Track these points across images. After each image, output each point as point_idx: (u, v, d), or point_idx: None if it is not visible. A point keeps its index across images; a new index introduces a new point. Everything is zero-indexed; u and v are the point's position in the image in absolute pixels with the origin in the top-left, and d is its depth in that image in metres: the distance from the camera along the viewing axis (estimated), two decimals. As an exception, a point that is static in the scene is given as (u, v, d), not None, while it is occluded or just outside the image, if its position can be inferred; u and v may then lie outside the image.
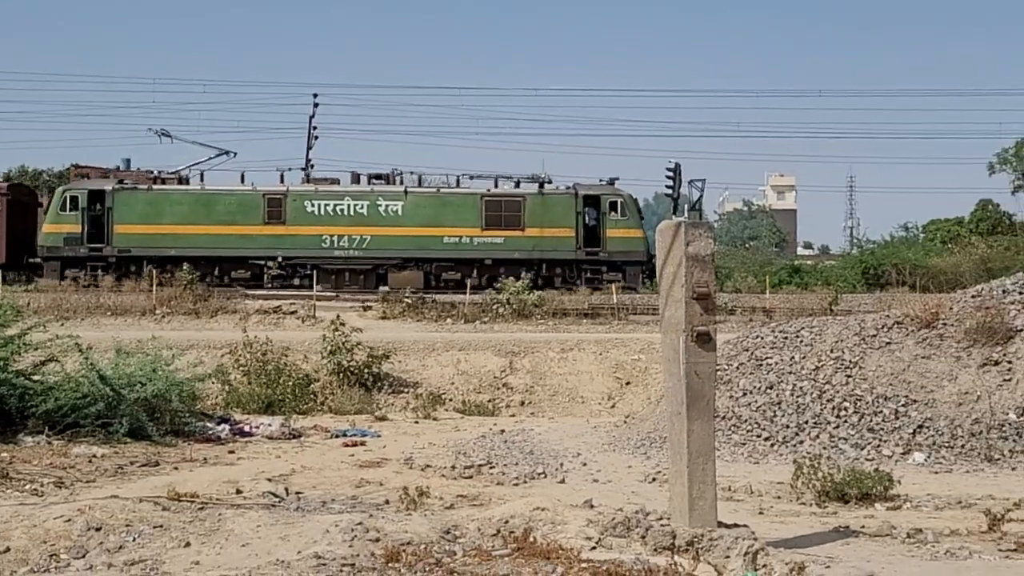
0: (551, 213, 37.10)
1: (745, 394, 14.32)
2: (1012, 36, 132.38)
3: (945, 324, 14.79)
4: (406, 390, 22.26)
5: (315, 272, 36.44)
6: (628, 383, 22.85)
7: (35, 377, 14.55)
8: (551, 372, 23.35)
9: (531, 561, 6.96)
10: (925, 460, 12.58)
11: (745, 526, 7.67)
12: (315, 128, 53.38)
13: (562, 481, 11.70)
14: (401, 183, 37.99)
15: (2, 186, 38.46)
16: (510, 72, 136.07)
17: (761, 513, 9.63)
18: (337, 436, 15.92)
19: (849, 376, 14.17)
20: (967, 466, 12.35)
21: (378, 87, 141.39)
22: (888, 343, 14.71)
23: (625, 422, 16.06)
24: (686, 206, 38.83)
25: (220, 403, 19.50)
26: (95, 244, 36.90)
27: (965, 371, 13.88)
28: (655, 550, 7.31)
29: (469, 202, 37.42)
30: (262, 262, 37.18)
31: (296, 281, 36.05)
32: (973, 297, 15.55)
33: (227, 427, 15.90)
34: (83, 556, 7.68)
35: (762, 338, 15.73)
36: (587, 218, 37.45)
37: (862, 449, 12.90)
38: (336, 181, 38.63)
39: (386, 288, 34.91)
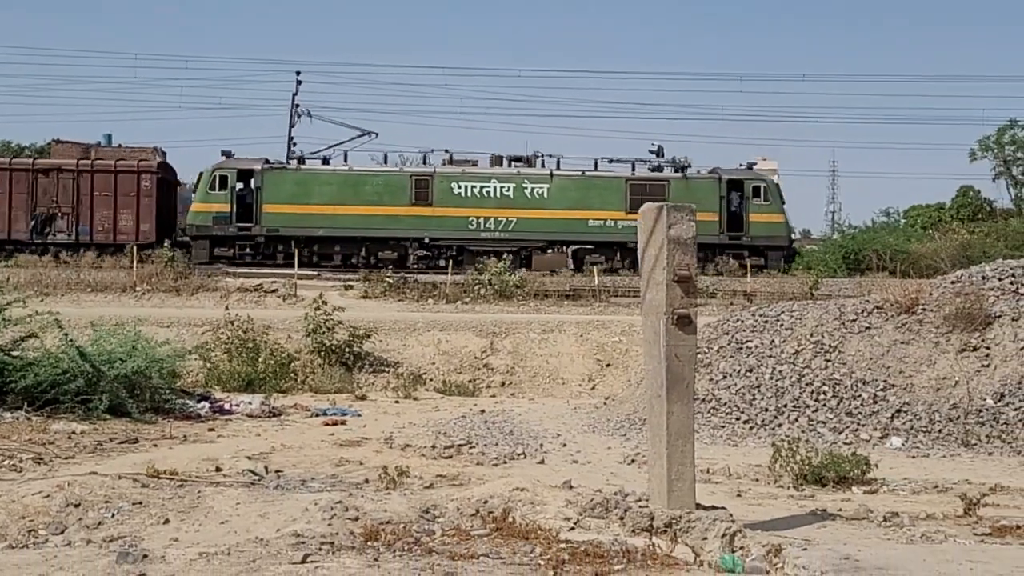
0: (694, 197, 36.92)
1: (725, 377, 14.37)
2: (995, 23, 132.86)
3: (924, 310, 14.87)
4: (387, 370, 22.23)
5: (460, 253, 36.56)
6: (608, 365, 22.88)
7: (14, 353, 14.49)
8: (532, 353, 23.35)
9: (510, 541, 6.99)
10: (903, 444, 12.67)
11: (723, 508, 7.71)
12: (298, 106, 53.19)
13: (541, 462, 11.73)
14: (543, 165, 37.98)
15: (152, 164, 38.05)
16: (494, 53, 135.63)
17: (739, 496, 9.68)
18: (317, 415, 15.92)
19: (828, 360, 14.24)
20: (944, 451, 12.45)
21: (361, 65, 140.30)
22: (868, 328, 14.78)
23: (605, 404, 16.10)
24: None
25: (200, 381, 19.45)
26: (244, 223, 36.70)
27: (943, 356, 13.98)
28: (633, 531, 7.34)
29: (614, 185, 37.38)
30: (407, 243, 37.13)
31: (441, 263, 35.96)
32: (953, 283, 15.65)
33: (207, 405, 15.88)
34: (62, 532, 7.67)
35: (742, 321, 15.78)
36: (731, 202, 37.56)
37: (840, 433, 12.97)
38: (475, 163, 38.51)
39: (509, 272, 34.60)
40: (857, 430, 13.03)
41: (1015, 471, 11.32)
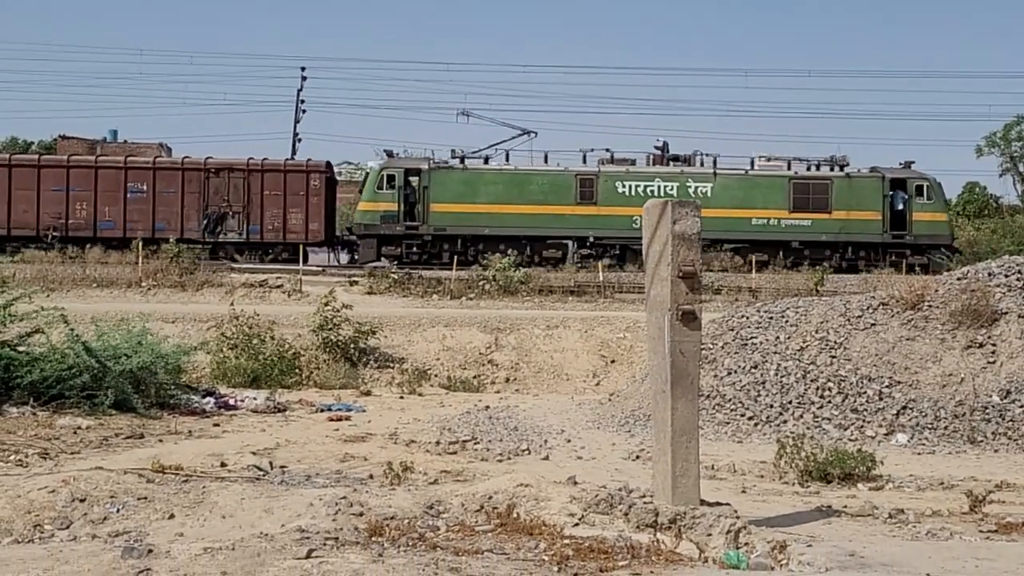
0: (857, 196, 37.05)
1: (730, 373, 14.36)
2: (1003, 19, 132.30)
3: (930, 306, 14.84)
4: (392, 365, 22.25)
5: (623, 252, 36.56)
6: (613, 361, 22.87)
7: (20, 348, 14.51)
8: (536, 349, 23.35)
9: (514, 537, 6.99)
10: (908, 441, 12.64)
11: (727, 504, 7.70)
12: (303, 102, 53.32)
13: (546, 458, 11.73)
14: (702, 164, 38.00)
15: (320, 164, 38.24)
16: (499, 48, 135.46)
17: (744, 492, 9.67)
18: (322, 410, 15.94)
19: (833, 357, 14.22)
20: (950, 447, 12.42)
21: (365, 60, 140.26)
22: (873, 324, 14.76)
23: (609, 400, 16.10)
24: None
25: (206, 376, 19.49)
26: (411, 222, 36.86)
27: (949, 353, 13.95)
28: (638, 527, 7.34)
29: (777, 184, 37.32)
30: (570, 242, 37.28)
31: (605, 262, 35.99)
32: (959, 279, 15.62)
33: (212, 400, 15.90)
34: (67, 527, 7.68)
35: (747, 318, 15.77)
36: (894, 201, 37.46)
37: (845, 430, 12.95)
38: (633, 162, 38.55)
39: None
40: (862, 427, 13.01)
41: (1021, 468, 11.29)
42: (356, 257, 37.33)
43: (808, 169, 38.00)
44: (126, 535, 7.40)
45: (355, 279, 31.51)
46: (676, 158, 38.34)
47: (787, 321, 15.26)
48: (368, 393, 18.96)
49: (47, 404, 13.77)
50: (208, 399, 15.92)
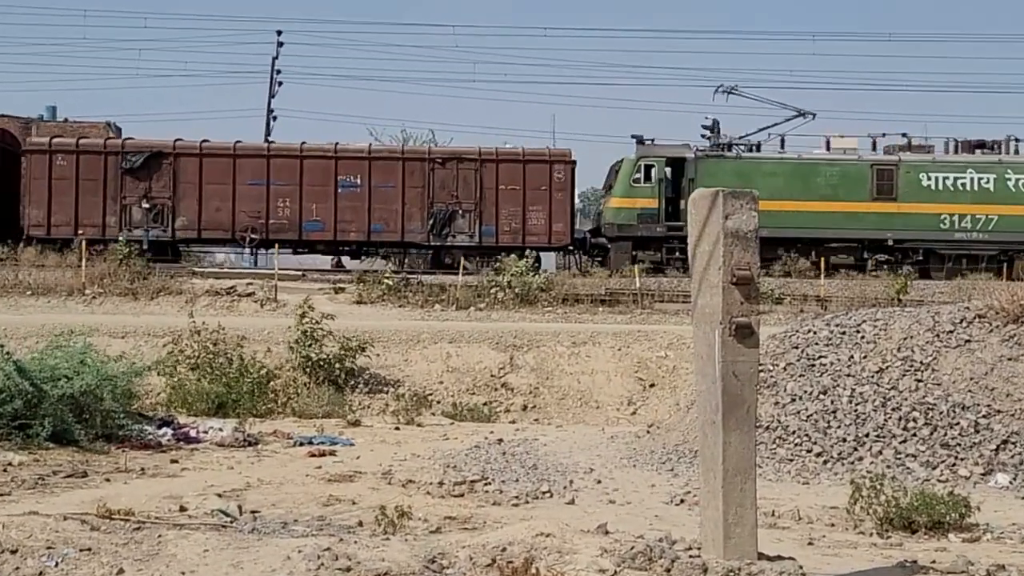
0: None
1: (793, 400, 14.33)
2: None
3: (1037, 319, 14.81)
4: (385, 390, 22.29)
5: (927, 256, 36.93)
6: (652, 385, 22.87)
7: (-63, 369, 14.58)
8: (559, 370, 23.36)
9: (533, 597, 6.98)
10: (1010, 482, 12.59)
11: (791, 559, 7.69)
12: (279, 72, 53.54)
13: (571, 502, 11.73)
14: (1017, 152, 38.12)
15: (565, 153, 38.46)
16: (514, 7, 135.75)
17: (811, 544, 9.65)
18: (301, 444, 15.97)
19: (919, 380, 14.17)
20: (1060, 490, 12.37)
21: (353, 23, 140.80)
22: (968, 341, 14.71)
23: (648, 432, 16.09)
24: None
25: (162, 402, 19.55)
26: (672, 222, 36.92)
27: (1060, 376, 13.90)
28: (682, 586, 7.33)
29: None
30: (864, 244, 37.48)
31: (906, 268, 36.08)
32: (1071, 287, 15.56)
33: (169, 431, 15.94)
34: (-6, 584, 7.70)
35: (815, 333, 15.73)
36: None
37: (934, 469, 12.91)
38: (930, 148, 38.64)
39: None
40: (955, 465, 12.96)
41: None
42: (608, 262, 37.07)
43: None
44: (66, 594, 7.41)
45: (341, 285, 31.61)
46: (982, 144, 38.25)
47: (863, 337, 15.23)
48: (357, 423, 18.97)
49: (-31, 436, 13.82)
50: (164, 430, 15.96)
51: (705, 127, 39.21)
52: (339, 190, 36.86)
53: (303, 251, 38.44)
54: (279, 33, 53.57)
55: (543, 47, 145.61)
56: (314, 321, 22.25)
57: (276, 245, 34.92)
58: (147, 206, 36.41)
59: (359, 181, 36.95)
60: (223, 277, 32.54)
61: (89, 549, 8.24)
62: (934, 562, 8.73)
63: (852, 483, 10.92)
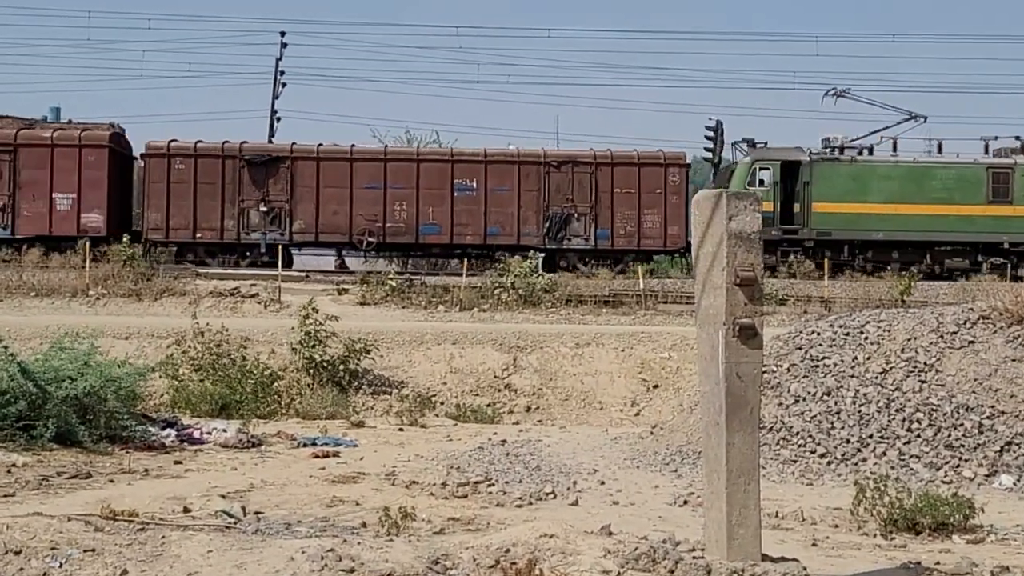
0: None
1: (797, 401, 14.32)
2: None
3: (1041, 320, 14.80)
4: (389, 391, 22.29)
5: None
6: (656, 386, 22.86)
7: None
8: (563, 371, 23.36)
9: (536, 598, 6.98)
10: (1014, 484, 12.57)
11: (795, 560, 7.69)
12: (282, 73, 53.52)
13: (575, 503, 11.73)
14: None
15: (680, 156, 38.65)
16: (518, 8, 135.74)
17: (814, 545, 9.65)
18: (305, 445, 15.96)
19: (923, 382, 14.17)
20: (1064, 491, 12.36)
21: (356, 24, 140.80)
22: (972, 342, 14.70)
23: (652, 433, 16.08)
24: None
25: (165, 403, 19.56)
26: (787, 225, 37.24)
27: (1064, 377, 13.89)
28: (686, 587, 7.33)
29: None
30: (978, 248, 37.47)
31: (1021, 272, 36.19)
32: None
33: (173, 432, 15.94)
34: (-2, 585, 7.71)
35: (819, 334, 15.73)
36: None
37: (938, 470, 12.90)
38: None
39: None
40: (959, 466, 12.95)
41: None
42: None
43: None
44: (70, 595, 7.42)
45: (345, 287, 31.61)
46: None
47: (867, 338, 15.22)
48: (360, 424, 18.97)
49: (-27, 437, 13.84)
50: (168, 431, 15.96)
51: (708, 128, 39.23)
52: (455, 193, 37.07)
53: (417, 255, 38.88)
54: (283, 34, 53.45)
55: (546, 48, 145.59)
56: (317, 322, 22.25)
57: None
58: (264, 209, 36.61)
59: (475, 184, 37.19)
60: (227, 278, 32.54)
61: (93, 550, 8.25)
62: (938, 564, 8.73)
63: (856, 484, 10.91)
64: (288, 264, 35.31)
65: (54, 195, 36.06)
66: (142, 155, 37.56)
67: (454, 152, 38.20)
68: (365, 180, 36.84)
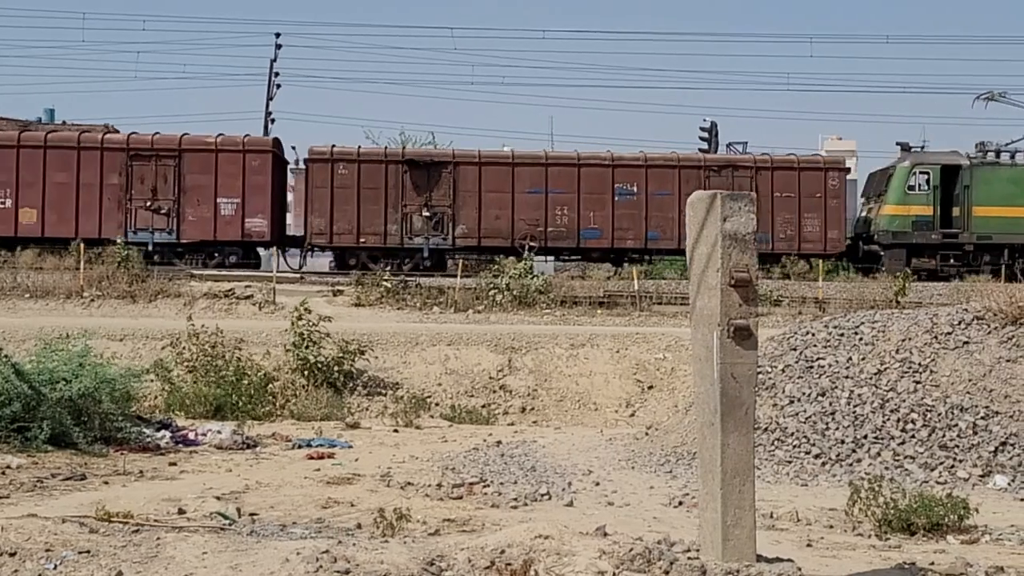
0: None
1: (792, 402, 14.33)
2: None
3: (1035, 320, 14.81)
4: (384, 392, 22.26)
5: None
6: (651, 387, 22.85)
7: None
8: (558, 372, 23.34)
9: (532, 600, 6.98)
10: (1009, 484, 12.59)
11: (789, 561, 7.69)
12: (277, 75, 53.52)
13: (570, 504, 11.73)
14: None
15: (839, 160, 39.23)
16: (512, 10, 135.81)
17: (809, 545, 9.65)
18: (300, 446, 15.96)
19: (918, 382, 14.18)
20: (1059, 492, 12.37)
21: (351, 25, 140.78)
22: (966, 343, 14.71)
23: (647, 434, 16.09)
24: None
25: (160, 405, 19.53)
26: (947, 228, 37.41)
27: (1058, 377, 13.91)
28: (681, 588, 7.32)
29: None
30: None
31: None
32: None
33: (168, 434, 15.94)
34: (-7, 587, 7.70)
35: (813, 335, 15.74)
36: None
37: (932, 470, 12.91)
38: None
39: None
40: (953, 467, 12.97)
41: None
42: (883, 268, 37.23)
43: None
44: (64, 596, 7.41)
45: (339, 288, 31.59)
46: None
47: (861, 339, 15.23)
48: (355, 426, 18.97)
49: (-32, 439, 13.82)
50: (163, 432, 15.96)
51: (703, 129, 39.32)
52: (616, 198, 37.37)
53: (576, 259, 39.17)
54: (277, 36, 53.48)
55: (541, 49, 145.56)
56: (311, 324, 22.23)
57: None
58: (427, 214, 36.86)
59: (635, 189, 37.49)
60: (221, 280, 32.51)
61: (88, 552, 8.24)
62: (933, 564, 8.73)
63: (851, 485, 10.93)
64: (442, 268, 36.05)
65: (218, 200, 36.48)
66: (306, 160, 37.97)
67: (615, 157, 38.33)
68: (527, 184, 37.15)
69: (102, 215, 36.11)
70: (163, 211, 36.22)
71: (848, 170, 38.97)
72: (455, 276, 32.96)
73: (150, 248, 35.89)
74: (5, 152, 36.12)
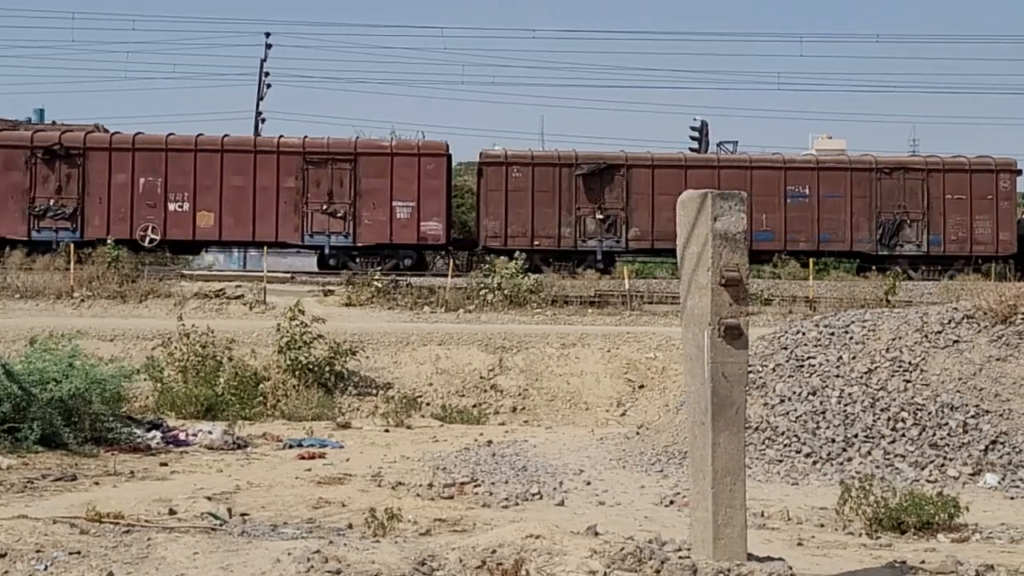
0: None
1: (782, 401, 14.35)
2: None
3: (1025, 319, 14.84)
4: (375, 392, 22.25)
5: None
6: (641, 386, 22.86)
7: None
8: (549, 372, 23.34)
9: (523, 599, 6.98)
10: (999, 483, 12.61)
11: (780, 560, 7.70)
12: (267, 74, 53.49)
13: (561, 503, 11.74)
14: None
15: (1011, 162, 38.87)
16: (503, 9, 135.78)
17: (800, 544, 9.66)
18: (291, 447, 15.95)
19: (908, 381, 14.20)
20: (1048, 490, 12.40)
21: (341, 25, 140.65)
22: (956, 341, 14.74)
23: (637, 433, 16.09)
24: None
25: (151, 405, 19.50)
26: None
27: (1048, 376, 13.93)
28: (672, 587, 7.33)
29: None
30: None
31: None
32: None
33: (159, 434, 15.92)
34: (-17, 588, 7.68)
35: (804, 334, 15.76)
36: None
37: (923, 469, 12.93)
38: None
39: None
40: (943, 465, 12.99)
41: None
42: None
43: None
44: (55, 597, 7.40)
45: (330, 288, 31.55)
46: None
47: (852, 338, 15.25)
48: (346, 426, 18.96)
49: (-41, 440, 13.79)
50: (154, 433, 15.93)
51: (694, 128, 39.36)
52: (787, 200, 37.36)
53: None
54: (267, 35, 53.52)
55: (531, 48, 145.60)
56: (302, 324, 22.20)
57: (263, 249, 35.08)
58: (600, 217, 36.86)
59: (807, 191, 37.50)
60: (212, 280, 32.46)
61: (78, 552, 8.22)
62: (923, 562, 8.75)
63: (841, 484, 10.95)
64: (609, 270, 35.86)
65: (394, 203, 36.45)
66: (479, 164, 38.03)
67: (786, 159, 38.45)
68: (698, 187, 36.77)
69: (279, 218, 36.17)
70: (339, 214, 36.24)
71: (1020, 172, 38.67)
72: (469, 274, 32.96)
73: (326, 251, 36.26)
74: (182, 156, 36.08)
